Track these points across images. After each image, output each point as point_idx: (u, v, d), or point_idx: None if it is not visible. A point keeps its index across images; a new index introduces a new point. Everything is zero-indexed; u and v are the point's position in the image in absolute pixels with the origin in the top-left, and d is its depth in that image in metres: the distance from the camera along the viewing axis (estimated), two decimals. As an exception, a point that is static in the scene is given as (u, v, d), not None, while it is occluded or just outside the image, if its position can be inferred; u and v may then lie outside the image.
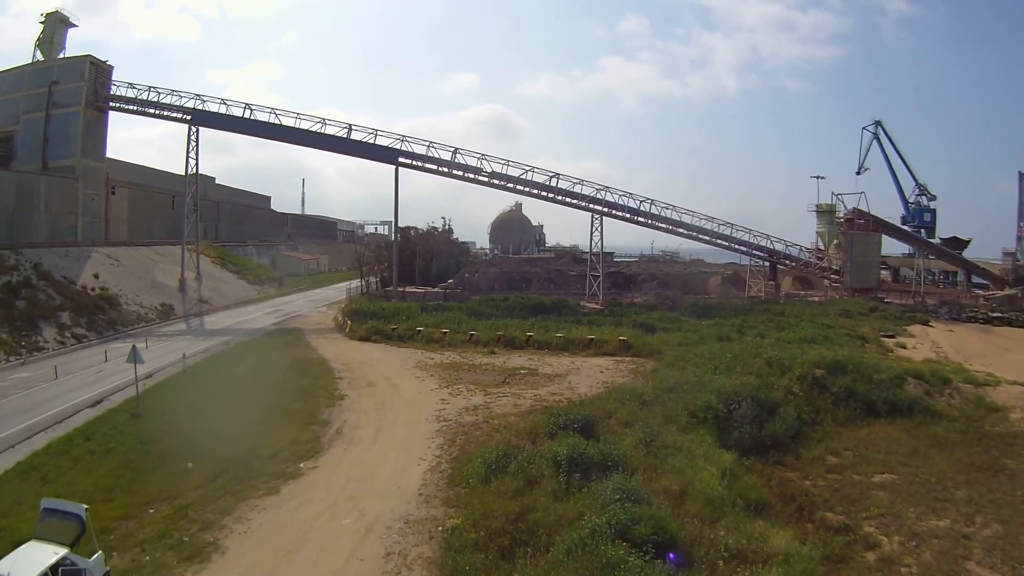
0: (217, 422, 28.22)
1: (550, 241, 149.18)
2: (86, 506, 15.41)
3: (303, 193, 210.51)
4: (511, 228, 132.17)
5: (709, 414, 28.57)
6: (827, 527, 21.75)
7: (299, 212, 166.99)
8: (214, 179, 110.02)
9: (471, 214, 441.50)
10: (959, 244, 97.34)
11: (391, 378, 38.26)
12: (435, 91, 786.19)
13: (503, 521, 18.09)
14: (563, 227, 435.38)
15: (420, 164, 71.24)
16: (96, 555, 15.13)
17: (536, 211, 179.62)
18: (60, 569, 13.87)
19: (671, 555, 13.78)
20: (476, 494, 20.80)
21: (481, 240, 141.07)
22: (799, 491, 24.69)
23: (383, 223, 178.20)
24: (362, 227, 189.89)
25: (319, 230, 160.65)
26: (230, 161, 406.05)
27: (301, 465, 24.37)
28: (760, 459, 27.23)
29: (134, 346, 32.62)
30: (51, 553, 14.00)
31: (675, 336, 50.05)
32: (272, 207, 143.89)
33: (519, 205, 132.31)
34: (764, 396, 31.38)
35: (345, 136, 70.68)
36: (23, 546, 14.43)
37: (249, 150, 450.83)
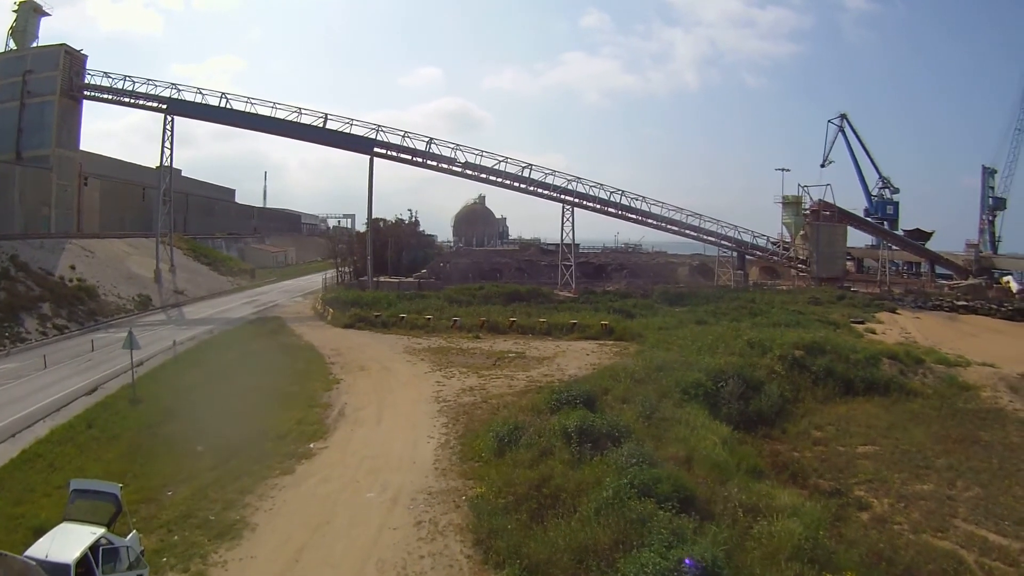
0: (218, 406, 28.55)
1: (512, 234, 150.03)
2: (120, 485, 15.39)
3: (265, 186, 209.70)
4: (475, 221, 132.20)
5: (700, 391, 29.65)
6: (820, 491, 22.93)
7: (261, 205, 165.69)
8: (180, 171, 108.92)
9: (430, 207, 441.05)
10: (922, 236, 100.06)
11: (383, 362, 38.85)
12: (399, 84, 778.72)
13: (527, 488, 18.97)
14: (525, 220, 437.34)
15: (395, 154, 71.30)
16: (131, 534, 15.24)
17: (499, 204, 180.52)
18: (100, 549, 13.76)
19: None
20: (492, 466, 21.64)
21: (443, 233, 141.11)
22: (790, 460, 25.95)
23: (346, 216, 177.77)
24: (324, 220, 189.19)
25: (284, 223, 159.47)
26: (192, 153, 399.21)
27: (311, 445, 24.78)
28: (748, 433, 28.29)
29: (131, 331, 32.45)
30: (88, 533, 13.90)
31: (654, 321, 51.60)
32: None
33: (483, 198, 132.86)
34: (749, 375, 32.53)
35: (321, 126, 70.56)
36: (57, 528, 14.27)
37: (211, 143, 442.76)
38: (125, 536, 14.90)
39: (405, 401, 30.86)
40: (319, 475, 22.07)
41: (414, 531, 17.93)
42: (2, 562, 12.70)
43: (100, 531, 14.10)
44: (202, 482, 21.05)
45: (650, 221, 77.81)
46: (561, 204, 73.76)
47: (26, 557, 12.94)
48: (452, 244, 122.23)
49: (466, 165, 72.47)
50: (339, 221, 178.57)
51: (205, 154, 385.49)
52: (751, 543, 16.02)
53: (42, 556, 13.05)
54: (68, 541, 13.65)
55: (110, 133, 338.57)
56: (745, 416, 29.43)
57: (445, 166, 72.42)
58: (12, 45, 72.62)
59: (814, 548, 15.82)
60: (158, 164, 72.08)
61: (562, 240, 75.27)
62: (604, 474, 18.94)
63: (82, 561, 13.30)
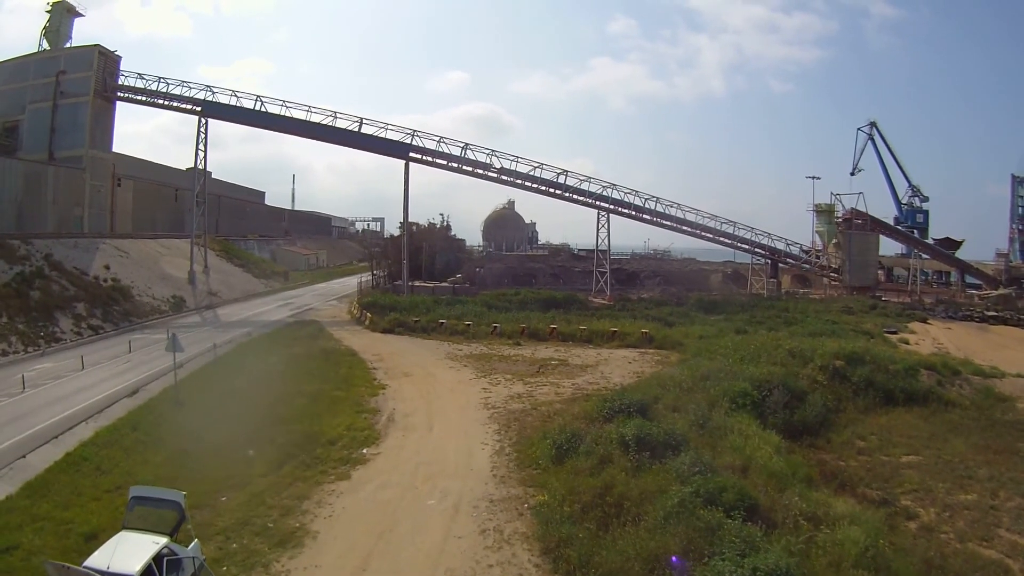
0: (264, 410, 28.41)
1: (541, 239, 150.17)
2: (184, 492, 15.07)
3: (293, 189, 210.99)
4: (504, 226, 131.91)
5: (747, 400, 29.52)
6: (869, 500, 22.88)
7: (289, 208, 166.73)
8: (211, 173, 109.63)
9: (458, 212, 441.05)
10: (952, 245, 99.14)
11: (426, 368, 39.14)
12: (426, 88, 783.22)
13: (591, 495, 19.11)
14: (553, 225, 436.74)
15: (430, 159, 71.43)
16: (193, 543, 15.00)
17: (528, 209, 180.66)
18: (163, 559, 13.45)
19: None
20: (551, 473, 21.80)
21: (471, 237, 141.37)
22: (837, 469, 25.84)
23: (375, 219, 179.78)
24: (353, 224, 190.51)
25: (314, 225, 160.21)
26: (219, 156, 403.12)
27: (364, 451, 24.88)
28: (794, 442, 28.12)
29: (173, 333, 32.17)
30: (151, 543, 13.60)
31: (693, 329, 51.51)
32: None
33: (512, 203, 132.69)
34: (792, 384, 32.34)
35: (356, 130, 70.74)
36: (117, 537, 14.02)
37: (238, 145, 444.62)
38: (187, 545, 14.72)
39: (454, 408, 31.09)
40: (376, 481, 22.09)
41: (480, 539, 17.99)
42: (64, 574, 12.57)
43: (163, 540, 13.85)
44: (256, 488, 20.96)
45: (685, 228, 77.74)
46: (596, 211, 73.89)
47: (86, 567, 12.72)
48: (482, 248, 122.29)
49: (502, 171, 72.60)
50: (367, 224, 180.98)
51: (232, 156, 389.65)
52: (816, 551, 16.22)
53: (103, 567, 12.79)
54: (130, 551, 13.37)
55: (139, 135, 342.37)
56: (790, 425, 29.24)
57: (481, 172, 72.44)
58: (45, 45, 73.43)
59: (874, 556, 16.05)
60: (189, 166, 72.72)
61: (597, 246, 75.04)
62: (667, 483, 19.13)
63: (145, 572, 12.97)
